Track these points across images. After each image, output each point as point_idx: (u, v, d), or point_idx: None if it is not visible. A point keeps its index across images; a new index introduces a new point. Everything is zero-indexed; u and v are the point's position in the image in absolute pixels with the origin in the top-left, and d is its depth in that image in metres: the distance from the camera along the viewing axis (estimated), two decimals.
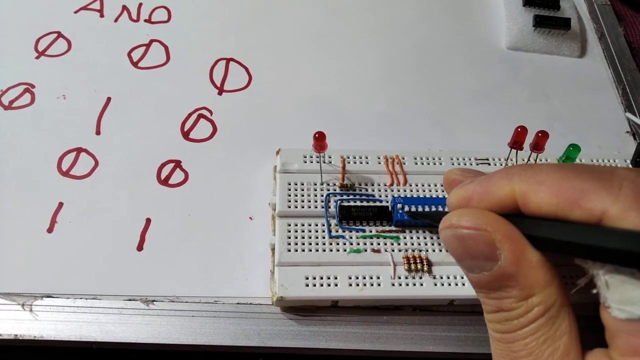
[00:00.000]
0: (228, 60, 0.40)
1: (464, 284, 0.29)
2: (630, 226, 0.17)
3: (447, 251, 0.30)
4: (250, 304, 0.29)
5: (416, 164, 0.34)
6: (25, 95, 0.36)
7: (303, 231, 0.30)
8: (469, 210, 0.20)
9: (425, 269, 0.29)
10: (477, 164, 0.34)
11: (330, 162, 0.33)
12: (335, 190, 0.32)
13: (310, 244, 0.30)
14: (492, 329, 0.21)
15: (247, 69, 0.39)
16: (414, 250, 0.30)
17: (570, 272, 0.28)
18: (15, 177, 0.32)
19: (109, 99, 0.36)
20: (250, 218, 0.32)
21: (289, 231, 0.30)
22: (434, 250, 0.30)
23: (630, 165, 0.35)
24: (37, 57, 0.38)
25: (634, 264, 0.17)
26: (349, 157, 0.33)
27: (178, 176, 0.34)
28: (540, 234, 0.19)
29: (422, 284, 0.29)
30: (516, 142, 0.31)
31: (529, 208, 0.19)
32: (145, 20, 0.41)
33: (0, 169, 0.33)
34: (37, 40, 0.39)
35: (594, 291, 0.19)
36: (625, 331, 0.17)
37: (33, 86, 0.37)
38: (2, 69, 0.37)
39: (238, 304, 0.29)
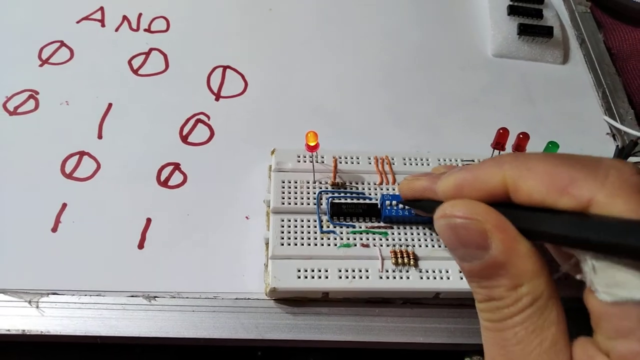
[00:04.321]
0: (225, 67, 0.41)
1: (449, 278, 0.30)
2: (616, 212, 0.17)
3: (437, 246, 0.31)
4: (248, 299, 0.30)
5: (405, 164, 0.35)
6: (30, 102, 0.38)
7: (296, 226, 0.32)
8: (461, 200, 0.21)
9: (412, 263, 0.31)
10: (464, 165, 0.36)
11: (323, 162, 0.35)
12: (327, 188, 0.34)
13: (303, 238, 0.31)
14: (483, 318, 0.21)
15: (243, 76, 0.41)
16: (401, 245, 0.31)
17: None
18: (20, 179, 0.34)
19: (110, 105, 0.38)
20: (247, 217, 0.34)
21: (282, 226, 0.32)
22: (420, 246, 0.32)
23: None
24: (41, 65, 0.40)
25: (621, 253, 0.17)
26: (340, 157, 0.35)
27: (177, 178, 0.35)
28: (530, 226, 0.19)
29: (408, 277, 0.30)
30: (498, 143, 0.33)
31: (519, 196, 0.20)
32: (145, 30, 0.43)
33: (6, 172, 0.34)
34: (41, 49, 0.41)
35: (578, 277, 0.19)
36: (611, 314, 0.18)
37: (37, 93, 0.38)
38: (7, 77, 0.39)
39: (236, 299, 0.30)
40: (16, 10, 0.43)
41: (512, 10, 0.47)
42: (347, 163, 0.35)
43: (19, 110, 0.37)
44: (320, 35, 0.45)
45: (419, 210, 0.30)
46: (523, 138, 0.32)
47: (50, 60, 0.40)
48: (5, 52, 0.40)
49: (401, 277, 0.30)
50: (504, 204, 0.20)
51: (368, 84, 0.42)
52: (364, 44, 0.44)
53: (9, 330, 0.28)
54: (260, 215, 0.34)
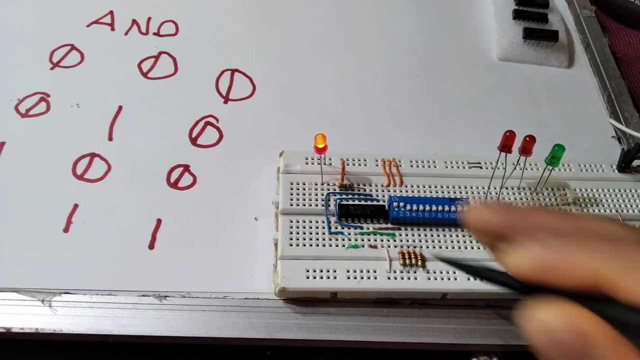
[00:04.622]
0: (233, 71, 0.42)
1: (456, 279, 0.31)
2: None
3: (444, 247, 0.32)
4: (257, 298, 0.31)
5: (412, 166, 0.36)
6: (41, 104, 0.38)
7: (304, 227, 0.32)
8: (560, 308, 0.18)
9: (420, 264, 0.31)
10: (470, 167, 0.36)
11: (331, 164, 0.35)
12: (335, 190, 0.34)
13: (311, 239, 0.32)
14: None
15: (251, 79, 0.42)
16: (408, 246, 0.32)
17: None
18: (32, 180, 0.34)
19: (120, 107, 0.38)
20: (255, 219, 0.34)
21: (291, 227, 0.32)
22: (427, 247, 0.32)
23: (615, 170, 0.37)
24: (52, 68, 0.40)
25: None
26: (348, 160, 0.35)
27: (187, 179, 0.35)
28: (630, 333, 0.17)
29: (416, 278, 0.31)
30: (505, 146, 0.33)
31: (617, 293, 0.17)
32: (154, 34, 0.43)
33: (18, 173, 0.35)
34: (52, 53, 0.41)
35: None
36: None
37: (48, 95, 0.39)
38: (19, 79, 0.39)
39: (246, 299, 0.31)
40: (27, 14, 0.43)
41: (518, 15, 0.48)
42: (354, 165, 0.35)
43: (31, 113, 0.38)
44: (327, 39, 0.45)
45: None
46: (529, 141, 0.33)
47: (61, 64, 0.41)
48: (17, 55, 0.41)
49: (409, 278, 0.31)
50: (593, 296, 0.17)
51: (374, 87, 0.42)
52: (370, 47, 0.45)
53: (22, 328, 0.28)
54: (269, 217, 0.34)
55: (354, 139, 0.39)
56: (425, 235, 0.32)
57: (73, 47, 0.42)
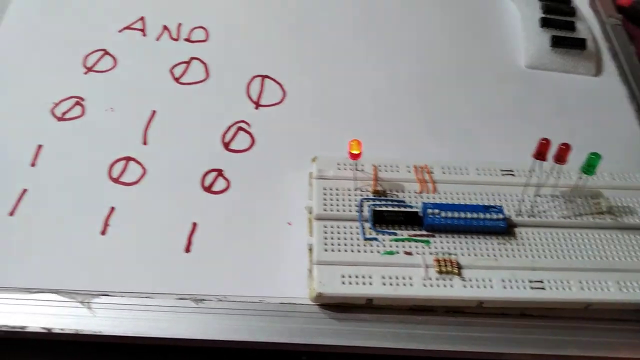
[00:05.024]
0: (263, 77, 0.42)
1: (492, 287, 0.31)
2: None
3: (480, 255, 0.32)
4: (293, 303, 0.31)
5: (444, 173, 0.36)
6: (76, 108, 0.39)
7: (339, 233, 0.32)
8: None
9: (455, 271, 0.31)
10: (502, 175, 0.36)
11: (363, 170, 0.35)
12: (368, 195, 0.34)
13: (346, 244, 0.32)
14: None
15: (281, 85, 0.42)
16: (444, 254, 0.32)
17: None
18: (69, 183, 0.35)
19: (153, 112, 0.39)
20: (289, 223, 0.34)
21: (325, 232, 0.32)
22: (462, 254, 0.32)
23: None
24: (86, 73, 0.41)
25: None
26: (380, 166, 0.36)
27: (221, 184, 0.36)
28: None
29: (452, 286, 0.31)
30: (540, 154, 0.33)
31: None
32: (185, 39, 0.44)
33: (54, 176, 0.35)
34: (85, 57, 0.42)
35: None
36: None
37: (83, 99, 0.39)
38: (54, 83, 0.40)
39: (281, 303, 0.31)
40: (61, 19, 0.44)
41: (545, 23, 0.48)
42: (386, 171, 0.36)
43: (66, 116, 0.38)
44: (357, 46, 0.45)
45: None
46: (565, 149, 0.33)
47: (95, 68, 0.41)
48: (52, 60, 0.42)
49: (445, 286, 0.31)
50: None
51: (403, 94, 0.43)
52: (399, 55, 0.45)
53: (62, 329, 0.29)
54: (301, 222, 0.34)
55: (384, 145, 0.39)
56: (460, 243, 0.32)
57: (106, 52, 0.42)
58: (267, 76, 0.42)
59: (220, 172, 0.36)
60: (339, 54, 0.45)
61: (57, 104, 0.39)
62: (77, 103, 0.39)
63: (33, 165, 0.35)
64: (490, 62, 0.46)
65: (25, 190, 0.34)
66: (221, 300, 0.31)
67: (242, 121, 0.39)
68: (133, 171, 0.36)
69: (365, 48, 0.45)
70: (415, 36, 0.47)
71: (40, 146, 0.36)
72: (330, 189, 0.34)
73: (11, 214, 0.33)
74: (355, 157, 0.33)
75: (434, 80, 0.44)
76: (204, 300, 0.31)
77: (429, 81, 0.44)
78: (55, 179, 0.35)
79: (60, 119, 0.38)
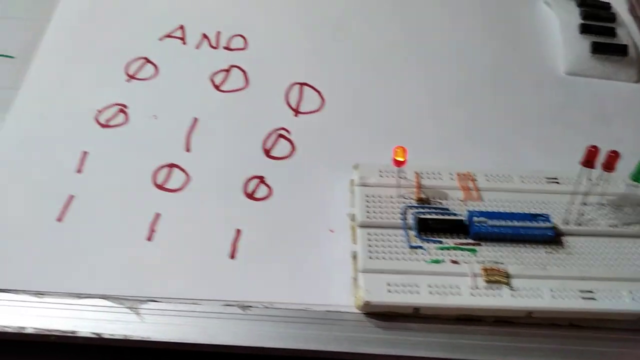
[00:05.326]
0: (302, 84, 0.42)
1: (541, 297, 0.30)
2: None
3: (529, 264, 0.31)
4: (338, 311, 0.31)
5: (487, 180, 0.35)
6: (120, 115, 0.39)
7: (383, 240, 0.32)
8: None
9: (504, 280, 0.31)
10: (547, 183, 0.36)
11: (405, 177, 0.35)
12: (411, 203, 0.34)
13: (391, 252, 0.32)
14: None
15: (319, 93, 0.42)
16: (491, 262, 0.31)
17: None
18: (114, 189, 0.35)
19: (195, 119, 0.39)
20: (331, 231, 0.34)
21: (370, 240, 0.32)
22: (510, 263, 0.31)
23: None
24: (128, 80, 0.41)
25: None
26: (422, 173, 0.35)
27: (263, 190, 0.36)
28: None
29: (500, 295, 0.30)
30: (588, 161, 0.32)
31: None
32: (225, 48, 0.44)
33: (100, 183, 0.36)
34: (127, 65, 0.42)
35: None
36: None
37: (126, 107, 0.40)
38: (98, 91, 0.40)
39: (327, 311, 0.31)
40: (103, 28, 0.45)
41: (584, 29, 0.47)
42: (428, 178, 0.35)
43: (110, 123, 0.39)
44: (395, 54, 0.45)
45: None
46: (614, 156, 0.32)
47: (137, 76, 0.42)
48: (95, 68, 0.42)
49: (493, 295, 0.30)
50: None
51: (441, 101, 0.42)
52: (437, 62, 0.45)
53: (112, 335, 0.29)
54: (343, 228, 0.34)
55: (425, 152, 0.39)
56: (507, 252, 0.32)
57: (147, 60, 0.43)
58: (305, 83, 0.43)
59: (262, 179, 0.36)
60: (377, 61, 0.45)
61: (100, 111, 0.39)
62: (121, 110, 0.39)
63: (79, 171, 0.36)
64: (530, 69, 0.46)
65: (72, 197, 0.35)
66: (267, 308, 0.31)
67: (282, 128, 0.40)
68: (177, 178, 0.36)
69: (404, 55, 0.45)
70: (454, 43, 0.46)
71: (85, 153, 0.37)
72: (373, 196, 0.34)
73: (59, 219, 0.34)
74: (399, 164, 0.33)
75: (473, 86, 0.44)
76: (250, 307, 0.31)
77: (467, 88, 0.43)
78: (101, 185, 0.35)
79: (104, 125, 0.39)
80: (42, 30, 0.44)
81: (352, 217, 0.34)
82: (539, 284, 0.31)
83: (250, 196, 0.36)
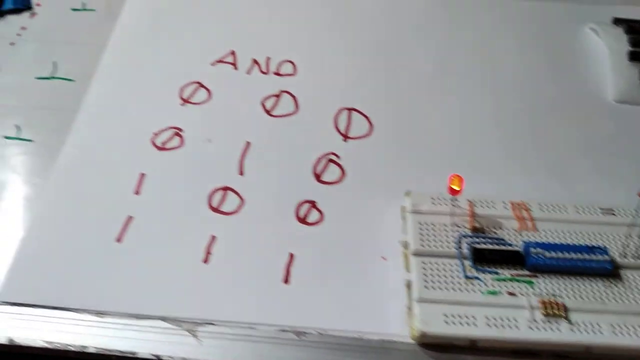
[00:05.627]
0: (350, 109, 0.43)
1: (601, 332, 0.30)
2: None
3: (587, 298, 0.31)
4: (393, 341, 0.31)
5: (542, 210, 0.35)
6: (175, 138, 0.40)
7: (438, 270, 0.32)
8: None
9: (562, 314, 0.30)
10: (603, 214, 0.35)
11: (458, 206, 0.35)
12: (465, 232, 0.34)
13: (447, 282, 0.31)
14: None
15: (368, 118, 0.42)
16: (549, 295, 0.31)
17: None
18: (171, 211, 0.36)
19: (248, 143, 0.40)
20: (383, 258, 0.34)
21: (425, 269, 0.32)
22: (568, 297, 0.31)
23: None
24: (183, 104, 0.43)
25: None
26: (475, 201, 0.35)
27: (314, 215, 0.36)
28: None
29: (559, 329, 0.30)
30: None
31: None
32: (275, 73, 0.45)
33: (157, 204, 0.36)
34: (182, 89, 0.44)
35: None
36: None
37: (181, 130, 0.41)
38: (154, 114, 0.42)
39: (382, 340, 0.31)
40: (159, 53, 0.46)
41: (634, 56, 0.47)
42: (482, 207, 0.35)
43: (167, 146, 0.40)
44: (445, 80, 0.45)
45: None
46: None
47: (191, 100, 0.43)
48: (151, 91, 0.43)
49: (551, 329, 0.30)
50: None
51: (490, 129, 0.42)
52: (485, 89, 0.45)
53: (171, 357, 0.29)
54: (395, 256, 0.34)
55: (475, 180, 0.38)
56: (565, 284, 0.32)
57: (200, 85, 0.44)
58: (353, 109, 0.43)
59: (313, 204, 0.37)
60: (423, 88, 0.45)
61: (157, 134, 0.40)
62: (176, 134, 0.40)
63: (137, 193, 0.37)
64: (578, 97, 0.45)
65: (130, 218, 0.36)
66: (321, 334, 0.31)
67: (332, 153, 0.40)
68: (231, 201, 0.37)
69: (454, 82, 0.45)
70: (499, 71, 0.46)
71: (143, 175, 0.38)
72: (426, 224, 0.34)
73: (118, 240, 0.35)
74: (455, 192, 0.33)
75: (519, 115, 0.43)
76: (305, 333, 0.31)
77: (514, 116, 0.43)
78: (158, 207, 0.36)
79: (160, 148, 0.40)
80: (99, 54, 0.46)
81: (405, 245, 0.34)
82: (598, 319, 0.30)
83: (303, 220, 0.36)
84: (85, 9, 0.51)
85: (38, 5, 0.51)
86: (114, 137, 0.40)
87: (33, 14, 0.50)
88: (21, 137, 0.41)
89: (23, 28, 0.49)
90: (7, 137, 0.41)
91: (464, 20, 0.50)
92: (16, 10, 0.50)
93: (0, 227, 0.36)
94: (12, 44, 0.48)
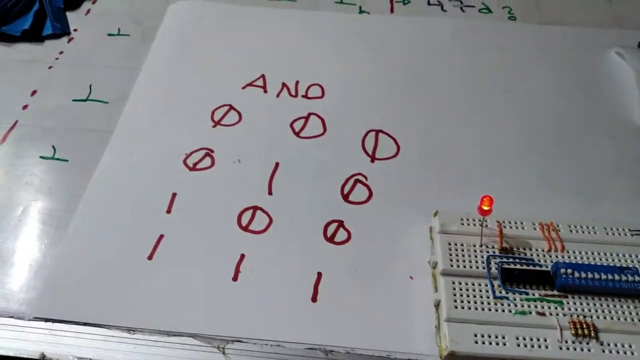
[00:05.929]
0: (377, 131, 0.44)
1: (633, 353, 0.29)
2: None
3: (618, 319, 0.30)
4: None
5: (571, 231, 0.35)
6: (206, 159, 0.41)
7: (467, 290, 0.32)
8: None
9: (593, 334, 0.30)
10: (632, 235, 0.35)
11: (487, 226, 0.35)
12: (494, 252, 0.34)
13: (476, 302, 0.32)
14: None
15: (394, 140, 0.43)
16: (578, 316, 0.31)
17: None
18: (202, 230, 0.37)
19: (277, 164, 0.41)
20: (411, 277, 0.35)
21: (454, 289, 0.32)
22: (598, 317, 0.31)
23: None
24: (214, 126, 0.44)
25: None
26: (504, 222, 0.35)
27: (342, 235, 0.37)
28: None
29: (589, 350, 0.30)
30: None
31: None
32: (303, 96, 0.46)
33: (188, 223, 0.37)
34: (213, 112, 0.45)
35: None
36: None
37: (212, 151, 0.42)
38: (186, 136, 0.43)
39: (410, 359, 0.31)
40: (191, 77, 0.48)
41: None
42: (510, 228, 0.35)
43: (198, 167, 0.41)
44: (468, 103, 0.46)
45: None
46: None
47: (222, 122, 0.44)
48: (183, 113, 0.45)
49: (582, 349, 0.30)
50: None
51: (517, 150, 0.43)
52: (512, 112, 0.45)
53: None
54: (423, 275, 0.34)
55: (502, 201, 0.38)
56: (595, 305, 0.31)
57: (231, 107, 0.45)
58: (381, 131, 0.44)
59: (341, 223, 0.37)
60: (448, 109, 0.46)
61: (188, 155, 0.42)
62: (207, 154, 0.42)
63: (169, 212, 0.38)
64: (605, 119, 0.45)
65: (162, 236, 0.36)
66: (349, 353, 0.31)
67: (359, 174, 0.41)
68: (260, 220, 0.37)
69: (480, 103, 0.46)
70: (530, 95, 0.47)
71: (174, 194, 0.39)
72: (455, 244, 0.34)
73: (150, 258, 0.35)
74: (485, 213, 0.33)
75: (545, 136, 0.44)
76: (332, 351, 0.31)
77: (540, 137, 0.44)
78: (189, 226, 0.37)
79: (192, 169, 0.41)
80: (133, 77, 0.48)
81: (434, 265, 0.34)
82: (629, 340, 0.30)
83: (330, 240, 0.36)
84: (120, 34, 0.53)
85: (75, 30, 0.53)
86: (147, 157, 0.42)
87: (70, 39, 0.53)
88: (57, 157, 0.42)
89: (61, 52, 0.51)
90: (42, 157, 0.42)
91: (491, 44, 0.51)
92: (55, 35, 0.52)
93: (34, 244, 0.37)
94: (50, 67, 0.50)
